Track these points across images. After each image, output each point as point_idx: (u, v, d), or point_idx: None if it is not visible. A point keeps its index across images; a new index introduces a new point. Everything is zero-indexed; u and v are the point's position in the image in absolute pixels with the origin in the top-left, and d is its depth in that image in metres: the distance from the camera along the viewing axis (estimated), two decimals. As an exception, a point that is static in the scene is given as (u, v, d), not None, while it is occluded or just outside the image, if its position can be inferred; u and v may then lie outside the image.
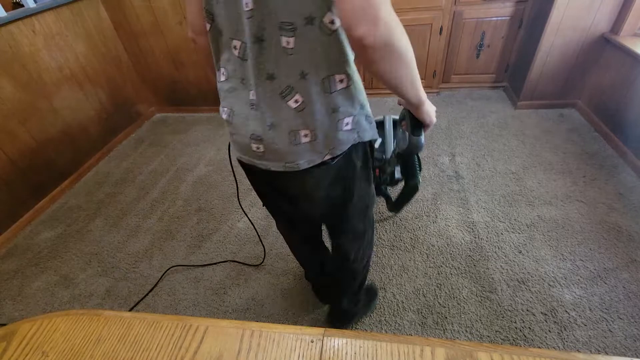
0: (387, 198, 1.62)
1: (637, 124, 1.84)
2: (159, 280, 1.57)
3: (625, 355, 1.16)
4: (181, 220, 1.90)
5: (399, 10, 2.64)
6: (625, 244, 1.49)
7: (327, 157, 0.71)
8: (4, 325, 0.62)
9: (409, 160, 1.24)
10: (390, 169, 1.33)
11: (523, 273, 1.43)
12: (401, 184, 1.39)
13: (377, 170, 1.37)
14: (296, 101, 0.64)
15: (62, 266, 1.71)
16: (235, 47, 0.65)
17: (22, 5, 1.99)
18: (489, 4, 2.33)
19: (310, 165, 0.71)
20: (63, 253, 1.78)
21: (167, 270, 1.61)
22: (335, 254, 1.08)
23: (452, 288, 1.41)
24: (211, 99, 2.86)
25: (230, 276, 1.56)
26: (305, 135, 0.67)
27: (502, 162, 2.02)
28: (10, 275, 1.70)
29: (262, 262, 1.59)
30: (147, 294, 1.52)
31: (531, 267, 1.45)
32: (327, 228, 1.03)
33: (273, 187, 0.87)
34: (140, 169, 2.35)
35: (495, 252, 1.52)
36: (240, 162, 0.82)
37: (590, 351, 1.17)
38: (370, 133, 0.74)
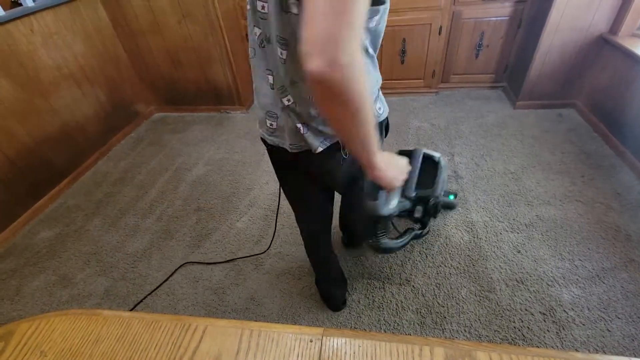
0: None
1: (635, 123, 1.84)
2: (170, 275, 1.57)
3: (623, 355, 1.16)
4: (180, 220, 1.89)
5: (398, 10, 2.53)
6: (624, 243, 1.49)
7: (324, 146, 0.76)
8: (2, 325, 0.61)
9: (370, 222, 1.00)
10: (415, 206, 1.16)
11: (522, 273, 1.43)
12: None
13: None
14: (288, 100, 0.70)
15: (60, 266, 1.71)
16: (256, 34, 0.68)
17: (21, 4, 1.98)
18: (488, 3, 2.33)
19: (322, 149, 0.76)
20: (61, 253, 1.78)
21: (180, 267, 1.62)
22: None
23: (451, 288, 1.41)
24: (210, 99, 2.85)
25: (229, 276, 1.56)
26: (304, 126, 0.74)
27: (501, 162, 2.02)
28: (9, 275, 1.69)
29: (269, 247, 1.65)
30: (159, 286, 1.52)
31: (530, 266, 1.45)
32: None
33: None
34: (139, 169, 2.34)
35: (494, 252, 1.53)
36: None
37: (589, 350, 1.18)
38: None
